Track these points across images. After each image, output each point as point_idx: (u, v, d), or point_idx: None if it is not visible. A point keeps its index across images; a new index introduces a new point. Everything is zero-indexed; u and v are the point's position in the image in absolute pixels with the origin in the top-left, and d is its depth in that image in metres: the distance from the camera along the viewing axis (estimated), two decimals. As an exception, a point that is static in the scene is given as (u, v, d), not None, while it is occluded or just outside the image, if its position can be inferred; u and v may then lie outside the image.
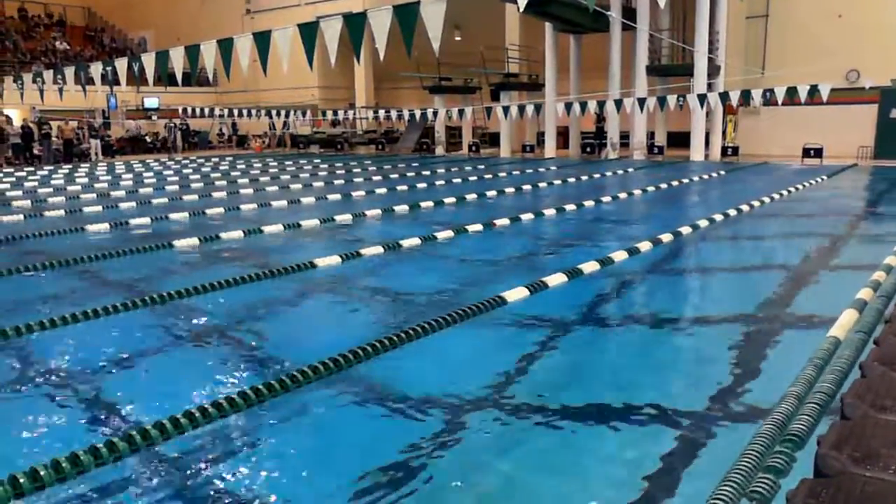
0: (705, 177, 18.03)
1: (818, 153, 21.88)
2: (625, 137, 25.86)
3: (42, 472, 3.24)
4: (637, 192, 14.64)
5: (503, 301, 6.05)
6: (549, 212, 11.73)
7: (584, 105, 21.35)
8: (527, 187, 15.82)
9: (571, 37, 26.70)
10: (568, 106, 21.62)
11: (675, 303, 6.69)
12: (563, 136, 28.12)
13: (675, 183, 16.25)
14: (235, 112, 30.09)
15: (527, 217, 11.11)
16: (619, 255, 7.95)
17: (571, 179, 17.69)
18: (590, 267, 7.35)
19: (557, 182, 17.17)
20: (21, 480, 3.17)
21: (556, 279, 6.80)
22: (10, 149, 25.65)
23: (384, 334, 5.07)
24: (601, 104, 21.27)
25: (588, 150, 28.18)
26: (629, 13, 22.80)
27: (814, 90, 17.72)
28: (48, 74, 13.36)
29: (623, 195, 14.01)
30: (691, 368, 4.92)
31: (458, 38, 26.88)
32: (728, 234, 10.14)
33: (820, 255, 8.49)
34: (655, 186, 15.47)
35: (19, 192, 16.33)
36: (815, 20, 23.50)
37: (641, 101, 20.79)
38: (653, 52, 25.05)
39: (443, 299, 6.48)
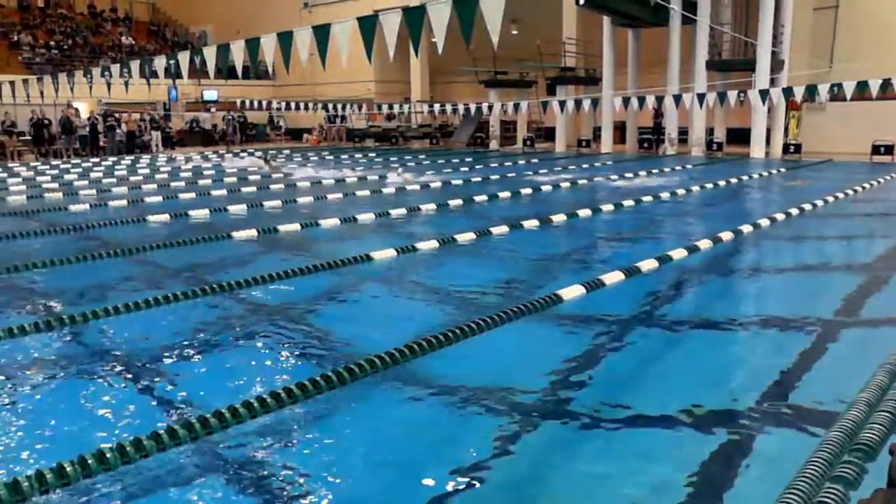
0: (765, 174, 17.56)
1: (889, 150, 21.08)
2: (683, 133, 25.34)
3: (108, 455, 3.33)
4: (695, 188, 14.34)
5: (559, 299, 5.98)
6: (606, 207, 11.57)
7: (641, 100, 21.01)
8: (583, 182, 15.65)
9: (630, 31, 26.29)
10: (625, 101, 21.31)
11: (736, 303, 6.53)
12: (619, 130, 27.73)
13: (734, 180, 15.87)
14: (292, 105, 30.45)
15: (583, 213, 10.99)
16: (678, 253, 7.80)
17: (628, 175, 17.43)
18: (648, 265, 7.22)
19: (614, 177, 16.94)
20: (89, 461, 3.26)
21: (613, 277, 6.70)
22: (77, 140, 26.48)
23: (438, 330, 5.07)
24: (659, 99, 20.89)
25: (645, 145, 27.73)
26: (690, 6, 22.31)
27: (886, 84, 17.06)
28: (115, 68, 13.72)
29: (681, 191, 13.74)
30: (752, 370, 4.79)
31: (514, 32, 26.69)
32: (791, 234, 9.86)
33: (890, 256, 8.18)
34: (714, 183, 15.13)
35: (85, 182, 16.85)
36: (889, 10, 22.63)
37: (700, 97, 20.35)
38: (713, 46, 24.49)
39: (497, 296, 6.44)
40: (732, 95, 19.18)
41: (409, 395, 4.29)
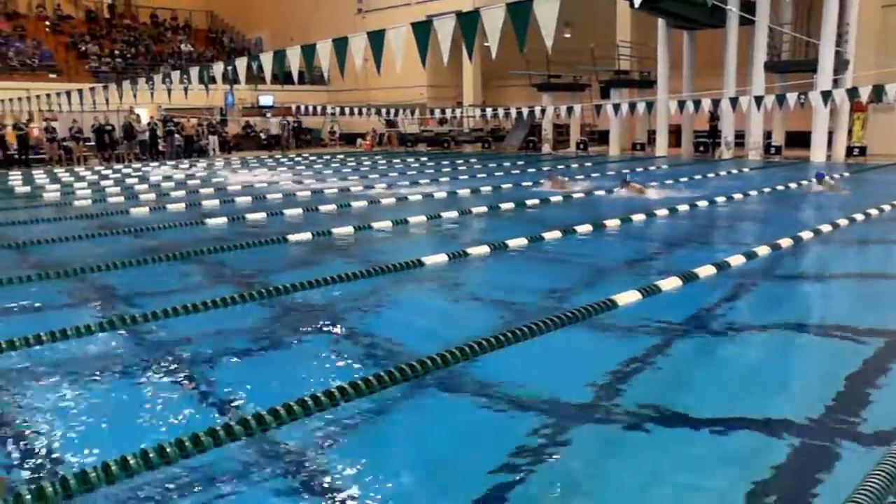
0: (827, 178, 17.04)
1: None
2: (740, 136, 24.82)
3: (168, 450, 3.43)
4: (753, 193, 14.03)
5: (613, 304, 5.92)
6: (661, 212, 11.41)
7: (697, 103, 20.67)
8: (637, 187, 15.43)
9: (685, 33, 25.90)
10: (681, 104, 20.98)
11: (795, 311, 6.35)
12: (674, 134, 27.32)
13: (793, 184, 15.48)
14: (347, 110, 30.81)
15: (637, 217, 10.85)
16: (736, 260, 7.64)
17: (684, 179, 17.15)
18: (705, 271, 7.09)
19: (669, 182, 16.68)
20: (150, 455, 3.36)
21: (669, 283, 6.60)
22: (138, 145, 27.27)
23: (490, 334, 5.07)
24: (715, 102, 20.51)
25: (701, 149, 27.26)
26: (748, 7, 21.85)
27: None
28: (175, 75, 14.09)
29: (738, 196, 13.45)
30: (811, 380, 4.67)
31: (567, 35, 26.54)
32: (855, 240, 9.57)
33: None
34: (772, 188, 14.78)
35: (145, 186, 17.34)
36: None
37: (758, 99, 19.91)
38: (772, 47, 23.93)
39: (550, 301, 6.41)
40: (792, 97, 18.70)
41: (458, 398, 4.30)
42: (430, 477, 3.39)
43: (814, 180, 14.93)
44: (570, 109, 23.44)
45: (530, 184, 15.21)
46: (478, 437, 3.82)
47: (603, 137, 30.43)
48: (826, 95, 18.73)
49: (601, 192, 14.42)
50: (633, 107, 21.73)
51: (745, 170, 20.27)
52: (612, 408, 4.05)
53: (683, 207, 11.80)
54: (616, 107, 22.55)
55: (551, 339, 5.20)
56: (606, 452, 3.61)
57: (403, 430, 3.91)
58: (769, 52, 23.65)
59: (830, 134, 22.84)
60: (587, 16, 25.18)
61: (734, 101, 20.11)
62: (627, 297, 6.10)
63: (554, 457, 3.52)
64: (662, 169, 20.85)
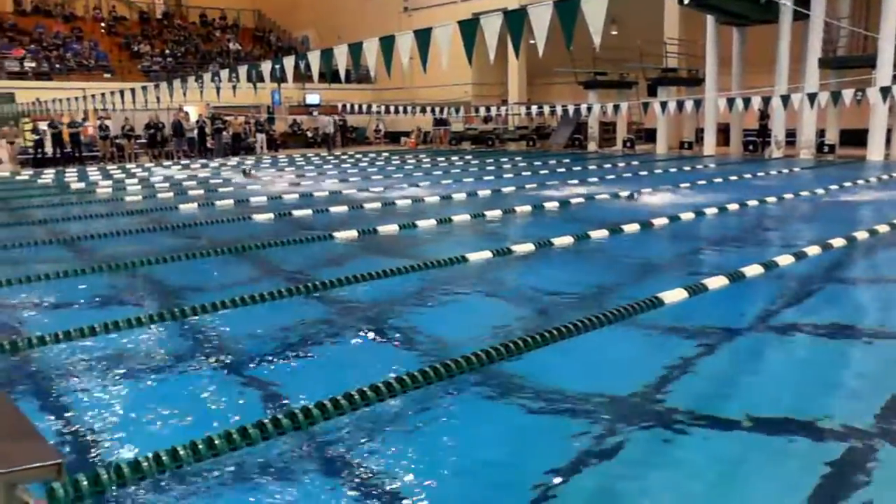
0: (885, 178, 16.57)
1: None
2: (791, 135, 24.25)
3: (217, 442, 3.48)
4: (805, 192, 13.70)
5: (660, 302, 5.85)
6: (710, 211, 11.21)
7: (747, 101, 20.24)
8: (685, 185, 15.21)
9: (735, 29, 25.40)
10: (730, 101, 20.59)
11: (846, 313, 6.17)
12: (723, 132, 26.82)
13: (847, 184, 15.07)
14: (392, 109, 30.95)
15: (686, 216, 10.68)
16: (785, 259, 7.47)
17: (733, 178, 16.84)
18: (753, 270, 6.95)
19: (718, 180, 16.40)
20: (200, 446, 3.43)
21: (716, 282, 6.49)
22: (187, 142, 27.79)
23: (534, 331, 5.04)
24: (766, 100, 20.07)
25: (750, 147, 26.72)
26: (802, 1, 21.31)
27: None
28: (224, 73, 14.31)
29: (789, 196, 13.15)
30: (860, 384, 4.53)
31: (614, 33, 26.25)
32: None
33: None
34: (825, 187, 14.41)
35: (194, 183, 17.66)
36: None
37: (812, 97, 19.41)
38: (828, 42, 23.30)
39: (595, 299, 6.35)
40: (848, 94, 18.18)
41: (501, 395, 4.28)
42: (473, 474, 3.38)
43: None
44: (616, 107, 23.17)
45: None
46: (521, 435, 3.80)
47: (650, 136, 30.04)
48: (885, 92, 18.14)
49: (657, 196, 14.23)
50: (680, 105, 21.41)
51: (796, 169, 19.82)
52: (659, 407, 4.00)
53: (733, 207, 11.58)
54: (663, 105, 22.23)
55: (596, 337, 5.15)
56: (650, 453, 3.56)
57: (447, 426, 3.91)
58: (824, 47, 23.03)
59: (889, 132, 22.14)
60: (634, 13, 24.87)
61: (786, 99, 19.66)
62: (674, 296, 6.02)
63: (596, 457, 3.48)
64: (710, 168, 20.50)
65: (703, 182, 16.00)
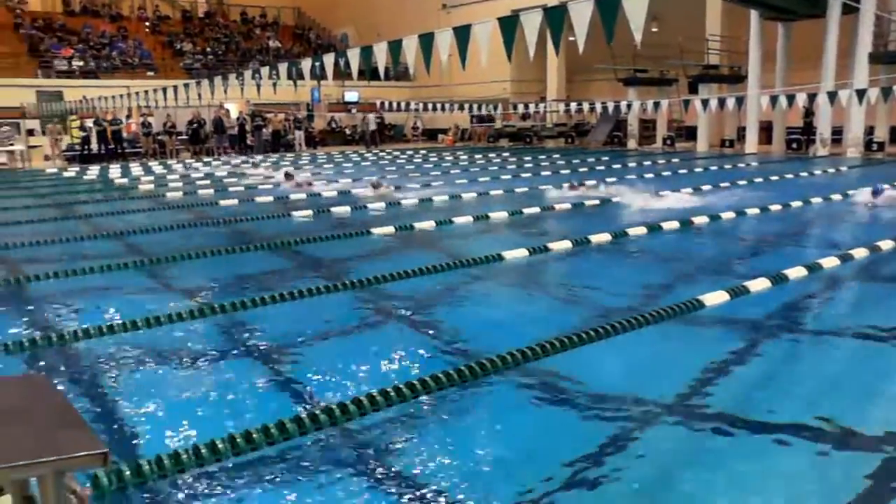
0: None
1: None
2: (837, 132, 23.70)
3: (255, 436, 3.53)
4: (851, 192, 13.37)
5: (700, 304, 5.76)
6: (752, 211, 11.01)
7: (791, 98, 19.85)
8: (725, 184, 14.97)
9: (780, 24, 24.92)
10: (773, 99, 20.21)
11: (892, 317, 6.03)
12: (765, 130, 26.34)
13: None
14: (430, 106, 31.00)
15: (727, 216, 10.51)
16: (830, 262, 7.30)
17: (774, 177, 16.53)
18: (796, 272, 6.82)
19: (759, 179, 16.11)
20: (238, 440, 3.47)
21: (758, 284, 6.38)
22: (227, 139, 28.17)
23: (570, 331, 5.01)
24: (811, 96, 19.65)
25: (794, 145, 26.20)
26: (851, -6, 20.81)
27: None
28: (264, 71, 14.47)
29: (835, 196, 12.85)
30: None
31: (654, 30, 25.96)
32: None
33: None
34: (874, 187, 14.02)
35: (235, 179, 17.90)
36: None
37: (861, 93, 18.96)
38: (878, 36, 22.69)
39: (634, 299, 6.29)
40: (899, 90, 17.72)
41: (536, 395, 4.26)
42: (507, 474, 3.37)
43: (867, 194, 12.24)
44: (656, 104, 22.92)
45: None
46: (557, 435, 3.78)
47: (690, 133, 29.64)
48: (937, 88, 17.65)
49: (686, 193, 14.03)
50: (722, 102, 21.08)
51: (843, 168, 19.37)
52: (697, 410, 3.94)
53: (775, 207, 11.36)
54: (704, 102, 21.93)
55: (635, 339, 5.10)
56: (687, 456, 3.51)
57: (482, 425, 3.91)
58: (874, 41, 22.44)
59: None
60: (675, 9, 24.58)
61: (832, 96, 19.23)
62: (715, 298, 5.93)
63: (632, 459, 3.45)
64: (752, 166, 20.16)
65: (744, 181, 15.73)
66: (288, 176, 16.34)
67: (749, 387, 4.35)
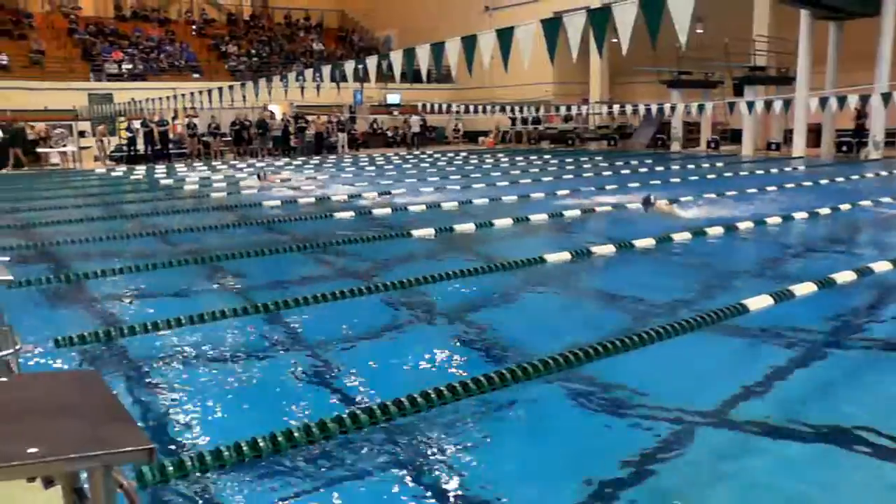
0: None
1: None
2: (891, 135, 23.03)
3: (296, 434, 3.56)
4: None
5: (744, 309, 5.66)
6: (799, 215, 10.77)
7: (842, 99, 19.38)
8: (772, 188, 14.68)
9: (831, 24, 24.35)
10: (822, 101, 19.75)
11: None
12: (813, 133, 25.74)
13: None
14: (471, 108, 30.99)
15: (773, 220, 10.31)
16: (881, 266, 7.12)
17: (824, 181, 16.16)
18: (844, 277, 6.65)
19: (807, 183, 15.78)
20: (279, 439, 3.51)
21: (804, 288, 6.24)
22: (271, 141, 28.52)
23: (612, 336, 4.96)
24: (864, 98, 19.14)
25: (844, 149, 25.57)
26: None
27: None
28: (308, 73, 14.62)
29: (887, 199, 12.51)
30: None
31: (699, 31, 25.57)
32: None
33: None
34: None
35: (277, 180, 18.09)
36: None
37: (916, 95, 18.39)
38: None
39: (677, 304, 6.20)
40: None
41: (577, 401, 4.23)
42: (545, 478, 3.36)
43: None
44: (700, 107, 22.59)
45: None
46: (597, 441, 3.75)
47: (735, 136, 29.14)
48: None
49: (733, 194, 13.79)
50: (768, 104, 20.67)
51: None
52: (739, 417, 3.88)
53: (824, 211, 11.11)
54: (750, 104, 21.53)
55: (678, 344, 5.03)
56: (728, 464, 3.45)
57: (521, 429, 3.89)
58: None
59: None
60: (721, 10, 24.15)
61: (886, 97, 18.70)
62: (759, 302, 5.82)
63: (672, 466, 3.40)
64: (800, 170, 19.75)
65: (791, 184, 15.42)
66: (260, 177, 16.78)
67: (790, 393, 4.26)
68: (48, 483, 1.67)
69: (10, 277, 3.76)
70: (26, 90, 26.63)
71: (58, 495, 1.73)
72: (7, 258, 4.28)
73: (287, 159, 26.22)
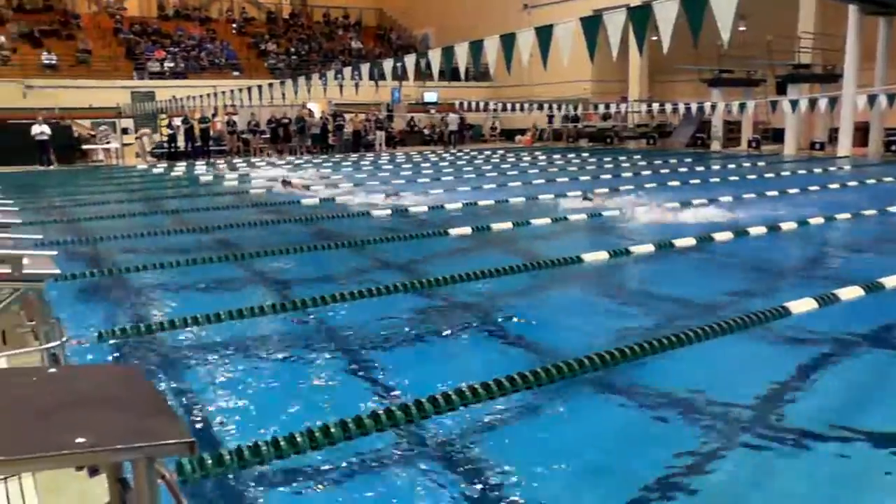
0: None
1: None
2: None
3: (333, 430, 3.58)
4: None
5: (786, 312, 5.56)
6: (843, 216, 10.53)
7: (892, 97, 18.88)
8: (814, 188, 14.38)
9: (881, 19, 23.74)
10: (871, 98, 19.27)
11: None
12: (860, 132, 25.12)
13: None
14: (508, 106, 30.89)
15: (815, 221, 10.10)
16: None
17: (870, 181, 15.78)
18: (893, 281, 6.49)
19: (853, 183, 15.42)
20: (316, 434, 3.54)
21: (850, 292, 6.10)
22: (310, 139, 28.76)
23: (650, 336, 4.91)
24: (915, 96, 18.62)
25: (893, 148, 24.92)
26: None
27: None
28: (346, 71, 14.70)
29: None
30: None
31: (742, 28, 25.12)
32: None
33: None
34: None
35: (316, 177, 18.25)
36: None
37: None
38: None
39: (717, 305, 6.11)
40: None
41: (613, 400, 4.20)
42: (580, 477, 3.34)
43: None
44: (742, 105, 22.21)
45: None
46: (633, 442, 3.71)
47: (777, 135, 28.60)
48: None
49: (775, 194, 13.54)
50: (813, 103, 20.23)
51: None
52: (777, 421, 3.81)
53: (870, 212, 10.85)
54: (794, 103, 21.11)
55: (717, 346, 4.96)
56: (767, 468, 3.40)
57: (556, 429, 3.87)
58: None
59: None
60: (765, 7, 23.73)
61: (938, 95, 18.17)
62: (801, 305, 5.70)
63: (709, 469, 3.36)
64: (845, 170, 19.32)
65: (836, 185, 15.09)
66: (285, 182, 15.86)
67: (830, 398, 4.18)
68: (93, 472, 1.71)
69: (58, 271, 3.85)
70: (73, 89, 27.27)
71: (102, 484, 1.78)
72: (55, 252, 4.37)
73: (325, 156, 26.42)
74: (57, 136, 23.10)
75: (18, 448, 1.45)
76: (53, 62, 28.72)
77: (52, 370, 2.22)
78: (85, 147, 24.83)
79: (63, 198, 14.42)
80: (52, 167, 22.40)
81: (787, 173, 18.35)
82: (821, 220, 10.21)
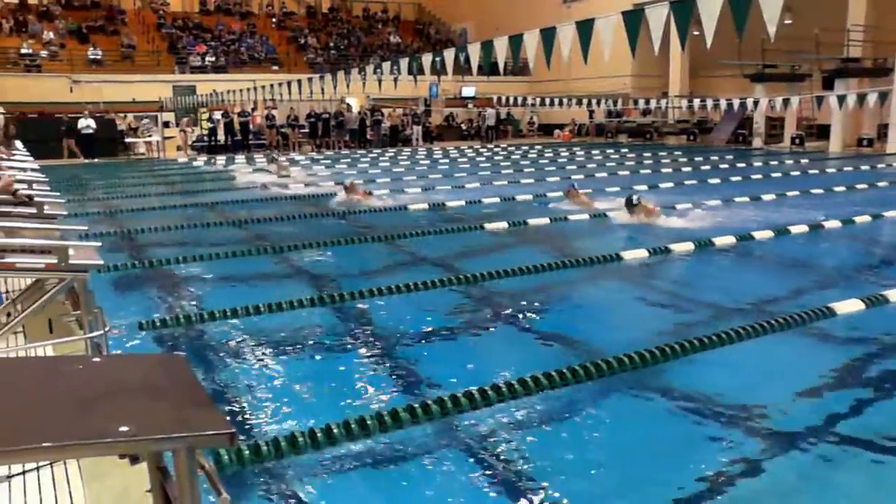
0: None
1: None
2: None
3: (368, 422, 3.61)
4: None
5: (831, 312, 5.43)
6: (891, 214, 10.25)
7: (942, 93, 18.33)
8: (861, 186, 14.02)
9: (935, 12, 23.04)
10: (922, 94, 18.71)
11: None
12: (910, 128, 24.41)
13: None
14: (547, 101, 30.68)
15: (861, 220, 9.84)
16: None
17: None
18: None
19: (883, 183, 14.99)
20: (352, 426, 3.56)
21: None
22: (348, 133, 28.91)
23: (690, 336, 4.84)
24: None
25: (943, 145, 24.18)
26: None
27: None
28: (385, 66, 14.72)
29: None
30: None
31: (788, 22, 24.58)
32: None
33: None
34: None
35: (354, 172, 18.34)
36: None
37: None
38: None
39: (758, 304, 6.00)
40: None
41: (648, 400, 4.16)
42: (613, 476, 3.30)
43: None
44: (786, 101, 21.75)
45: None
46: (669, 442, 3.67)
47: (822, 132, 27.96)
48: None
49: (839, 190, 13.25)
50: (861, 98, 19.72)
51: None
52: (820, 425, 3.73)
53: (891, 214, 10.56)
54: (841, 98, 20.59)
55: (759, 346, 4.87)
56: (808, 473, 3.33)
57: (590, 426, 3.84)
58: None
59: None
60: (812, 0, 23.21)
61: None
62: (848, 306, 5.57)
63: (742, 469, 3.30)
64: (894, 167, 18.81)
65: (884, 182, 14.69)
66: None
67: (874, 404, 4.08)
68: (134, 460, 1.73)
69: (101, 262, 3.92)
70: (117, 83, 27.80)
71: (143, 471, 1.80)
72: (99, 243, 4.45)
73: (363, 151, 26.53)
74: (102, 130, 23.59)
75: (63, 435, 1.48)
76: (99, 57, 29.29)
77: (97, 359, 2.26)
78: (127, 140, 25.29)
79: (107, 189, 14.69)
80: (96, 160, 22.85)
81: (833, 170, 17.97)
82: (868, 218, 9.95)
